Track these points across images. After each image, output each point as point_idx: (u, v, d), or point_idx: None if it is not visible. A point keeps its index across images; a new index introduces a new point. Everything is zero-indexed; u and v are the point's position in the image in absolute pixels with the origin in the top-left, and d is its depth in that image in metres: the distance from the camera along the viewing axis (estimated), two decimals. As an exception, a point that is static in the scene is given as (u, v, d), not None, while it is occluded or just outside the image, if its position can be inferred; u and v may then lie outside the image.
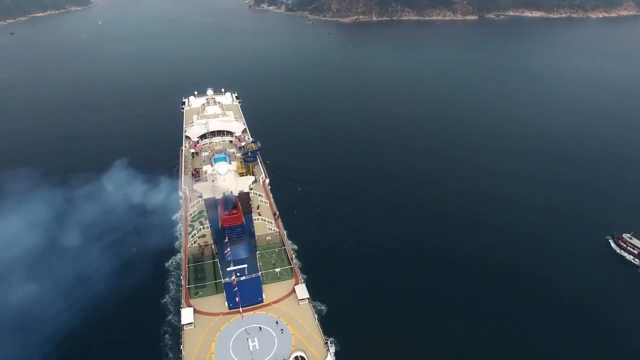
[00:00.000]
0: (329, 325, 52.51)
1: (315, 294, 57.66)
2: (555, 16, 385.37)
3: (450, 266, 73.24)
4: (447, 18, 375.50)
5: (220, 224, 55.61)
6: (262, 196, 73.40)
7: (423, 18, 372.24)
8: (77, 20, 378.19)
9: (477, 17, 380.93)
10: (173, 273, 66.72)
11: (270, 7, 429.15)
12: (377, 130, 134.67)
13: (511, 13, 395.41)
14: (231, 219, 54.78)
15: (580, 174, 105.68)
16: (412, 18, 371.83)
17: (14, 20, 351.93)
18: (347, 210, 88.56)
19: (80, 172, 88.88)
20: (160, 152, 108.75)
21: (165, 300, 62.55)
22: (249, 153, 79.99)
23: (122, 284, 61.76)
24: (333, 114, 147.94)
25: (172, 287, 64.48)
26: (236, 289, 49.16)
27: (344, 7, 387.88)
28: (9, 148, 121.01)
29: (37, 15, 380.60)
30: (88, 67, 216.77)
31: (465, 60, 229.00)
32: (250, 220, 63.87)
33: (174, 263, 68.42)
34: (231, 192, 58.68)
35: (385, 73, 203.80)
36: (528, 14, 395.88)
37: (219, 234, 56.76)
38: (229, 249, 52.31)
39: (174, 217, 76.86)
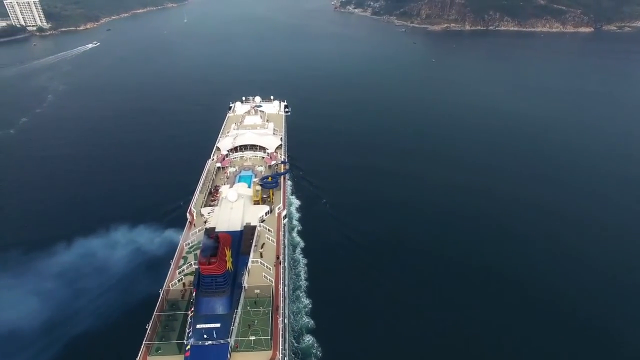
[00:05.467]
0: None
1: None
2: None
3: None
4: (553, 30, 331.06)
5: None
6: (271, 232, 63.01)
7: (524, 29, 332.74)
8: (168, 17, 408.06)
9: (592, 30, 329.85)
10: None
11: (356, 10, 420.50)
12: (449, 171, 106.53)
13: (639, 24, 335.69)
14: (208, 269, 45.68)
15: None
16: (511, 29, 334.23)
17: (117, 17, 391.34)
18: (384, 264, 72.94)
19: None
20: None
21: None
22: (269, 178, 70.48)
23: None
24: (397, 143, 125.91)
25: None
26: (187, 363, 39.75)
27: (434, 13, 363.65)
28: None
29: (138, 11, 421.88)
30: (158, 64, 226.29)
31: (578, 87, 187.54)
32: (244, 265, 54.25)
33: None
34: (216, 234, 49.37)
35: (473, 99, 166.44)
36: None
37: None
38: (192, 309, 42.95)
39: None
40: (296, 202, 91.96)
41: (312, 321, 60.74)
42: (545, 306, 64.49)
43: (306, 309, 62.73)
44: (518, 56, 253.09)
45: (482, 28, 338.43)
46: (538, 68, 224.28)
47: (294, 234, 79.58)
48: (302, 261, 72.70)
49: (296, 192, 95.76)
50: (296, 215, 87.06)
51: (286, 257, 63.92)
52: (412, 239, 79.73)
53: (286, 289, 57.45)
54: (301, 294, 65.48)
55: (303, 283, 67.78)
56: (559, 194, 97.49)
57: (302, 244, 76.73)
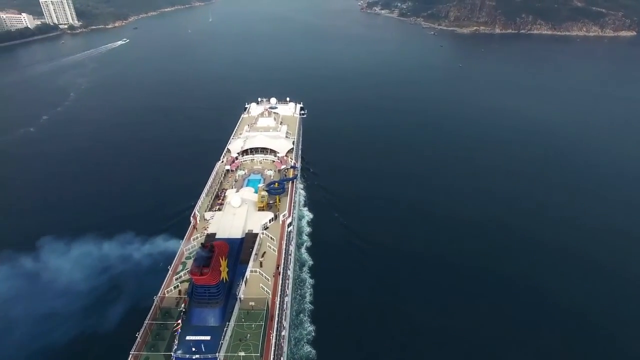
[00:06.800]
0: None
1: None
2: None
3: None
4: (590, 34, 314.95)
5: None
6: (274, 240, 60.61)
7: (559, 33, 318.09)
8: (194, 16, 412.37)
9: (634, 34, 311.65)
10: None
11: (383, 11, 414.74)
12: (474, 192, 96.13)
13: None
14: (201, 279, 43.69)
15: None
16: (545, 32, 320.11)
17: (145, 15, 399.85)
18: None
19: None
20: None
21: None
22: (276, 184, 68.11)
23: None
24: (419, 148, 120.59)
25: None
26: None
27: (463, 15, 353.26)
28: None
29: (166, 10, 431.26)
30: (179, 63, 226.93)
31: (612, 94, 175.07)
32: (241, 275, 51.98)
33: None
34: (210, 243, 47.28)
35: (498, 107, 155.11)
36: None
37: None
38: (179, 322, 41.04)
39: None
40: (308, 215, 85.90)
41: (314, 351, 55.58)
42: (557, 312, 62.34)
43: (309, 337, 57.71)
44: (551, 61, 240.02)
45: (513, 31, 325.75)
46: (572, 75, 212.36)
47: (303, 250, 74.87)
48: (309, 281, 67.53)
49: (309, 202, 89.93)
50: (307, 229, 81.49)
51: (290, 269, 61.15)
52: (437, 262, 71.25)
53: (286, 299, 54.64)
54: (305, 319, 60.56)
55: (308, 306, 62.80)
56: (583, 202, 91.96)
57: (310, 262, 71.45)
